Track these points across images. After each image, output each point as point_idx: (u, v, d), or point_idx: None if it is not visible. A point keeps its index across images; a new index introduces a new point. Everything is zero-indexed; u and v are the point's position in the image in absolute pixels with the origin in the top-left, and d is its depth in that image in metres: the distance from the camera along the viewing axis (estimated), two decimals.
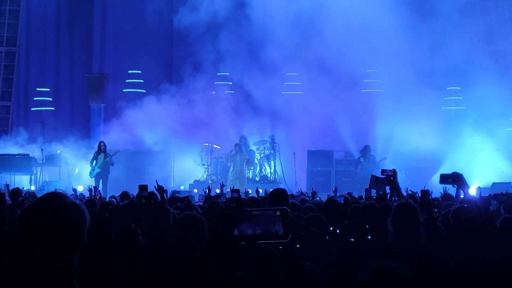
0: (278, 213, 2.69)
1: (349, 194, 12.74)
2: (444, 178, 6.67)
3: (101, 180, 19.42)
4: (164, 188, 8.81)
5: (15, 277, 2.59)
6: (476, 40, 21.48)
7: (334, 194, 11.76)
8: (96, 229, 4.94)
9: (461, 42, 21.34)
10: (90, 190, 11.84)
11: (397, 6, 21.15)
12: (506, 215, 6.28)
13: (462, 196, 7.30)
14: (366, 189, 11.31)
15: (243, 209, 2.66)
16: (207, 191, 11.33)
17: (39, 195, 2.90)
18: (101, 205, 8.95)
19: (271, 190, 7.28)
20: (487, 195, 8.04)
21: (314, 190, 12.25)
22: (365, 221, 6.98)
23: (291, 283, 4.72)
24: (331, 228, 6.79)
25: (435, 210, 7.16)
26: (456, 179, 6.38)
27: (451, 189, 9.46)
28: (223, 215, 2.62)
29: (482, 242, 5.31)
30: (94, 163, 19.83)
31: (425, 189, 8.95)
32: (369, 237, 6.31)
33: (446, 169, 8.71)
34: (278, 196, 6.57)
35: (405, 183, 15.67)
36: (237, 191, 9.71)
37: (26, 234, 2.50)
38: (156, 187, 8.56)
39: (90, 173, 19.84)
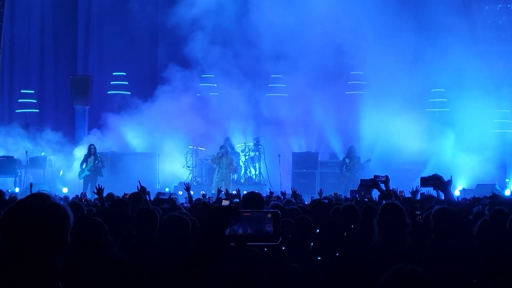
0: (269, 215, 2.71)
1: (335, 194, 12.82)
2: (425, 181, 6.55)
3: (89, 183, 19.37)
4: (147, 190, 8.78)
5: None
6: (461, 43, 21.59)
7: (319, 196, 11.75)
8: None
9: (445, 45, 21.50)
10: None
11: (382, 9, 21.28)
12: (485, 218, 6.33)
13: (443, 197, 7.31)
14: (351, 191, 11.35)
15: (237, 210, 2.68)
16: (186, 187, 10.77)
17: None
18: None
19: (244, 193, 6.77)
20: (472, 197, 8.10)
21: (294, 190, 11.91)
22: (345, 222, 7.05)
23: (277, 284, 4.73)
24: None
25: (418, 212, 7.19)
26: (437, 181, 6.34)
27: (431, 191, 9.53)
28: (216, 215, 2.63)
29: (463, 243, 5.36)
30: (84, 165, 19.88)
31: (412, 193, 9.00)
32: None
33: (430, 171, 8.67)
34: (252, 202, 5.99)
35: (390, 185, 15.69)
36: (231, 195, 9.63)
37: (9, 235, 2.51)
38: (139, 188, 8.55)
39: (79, 175, 19.91)
